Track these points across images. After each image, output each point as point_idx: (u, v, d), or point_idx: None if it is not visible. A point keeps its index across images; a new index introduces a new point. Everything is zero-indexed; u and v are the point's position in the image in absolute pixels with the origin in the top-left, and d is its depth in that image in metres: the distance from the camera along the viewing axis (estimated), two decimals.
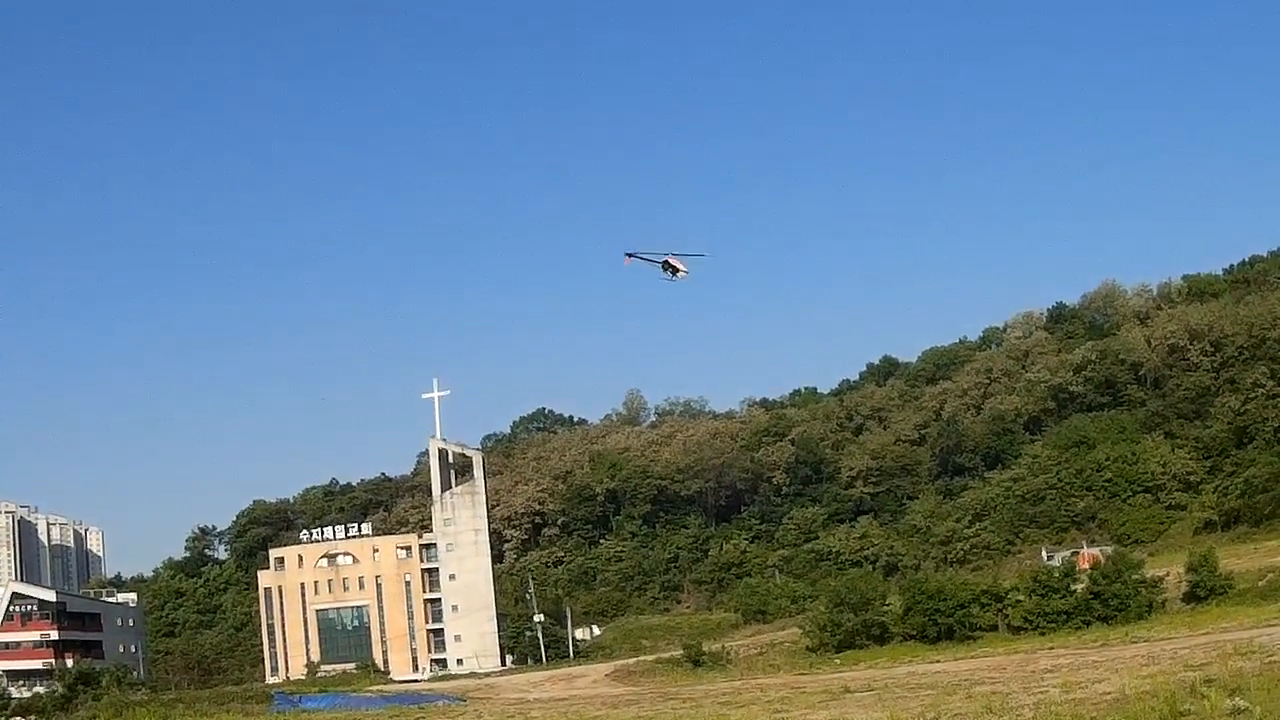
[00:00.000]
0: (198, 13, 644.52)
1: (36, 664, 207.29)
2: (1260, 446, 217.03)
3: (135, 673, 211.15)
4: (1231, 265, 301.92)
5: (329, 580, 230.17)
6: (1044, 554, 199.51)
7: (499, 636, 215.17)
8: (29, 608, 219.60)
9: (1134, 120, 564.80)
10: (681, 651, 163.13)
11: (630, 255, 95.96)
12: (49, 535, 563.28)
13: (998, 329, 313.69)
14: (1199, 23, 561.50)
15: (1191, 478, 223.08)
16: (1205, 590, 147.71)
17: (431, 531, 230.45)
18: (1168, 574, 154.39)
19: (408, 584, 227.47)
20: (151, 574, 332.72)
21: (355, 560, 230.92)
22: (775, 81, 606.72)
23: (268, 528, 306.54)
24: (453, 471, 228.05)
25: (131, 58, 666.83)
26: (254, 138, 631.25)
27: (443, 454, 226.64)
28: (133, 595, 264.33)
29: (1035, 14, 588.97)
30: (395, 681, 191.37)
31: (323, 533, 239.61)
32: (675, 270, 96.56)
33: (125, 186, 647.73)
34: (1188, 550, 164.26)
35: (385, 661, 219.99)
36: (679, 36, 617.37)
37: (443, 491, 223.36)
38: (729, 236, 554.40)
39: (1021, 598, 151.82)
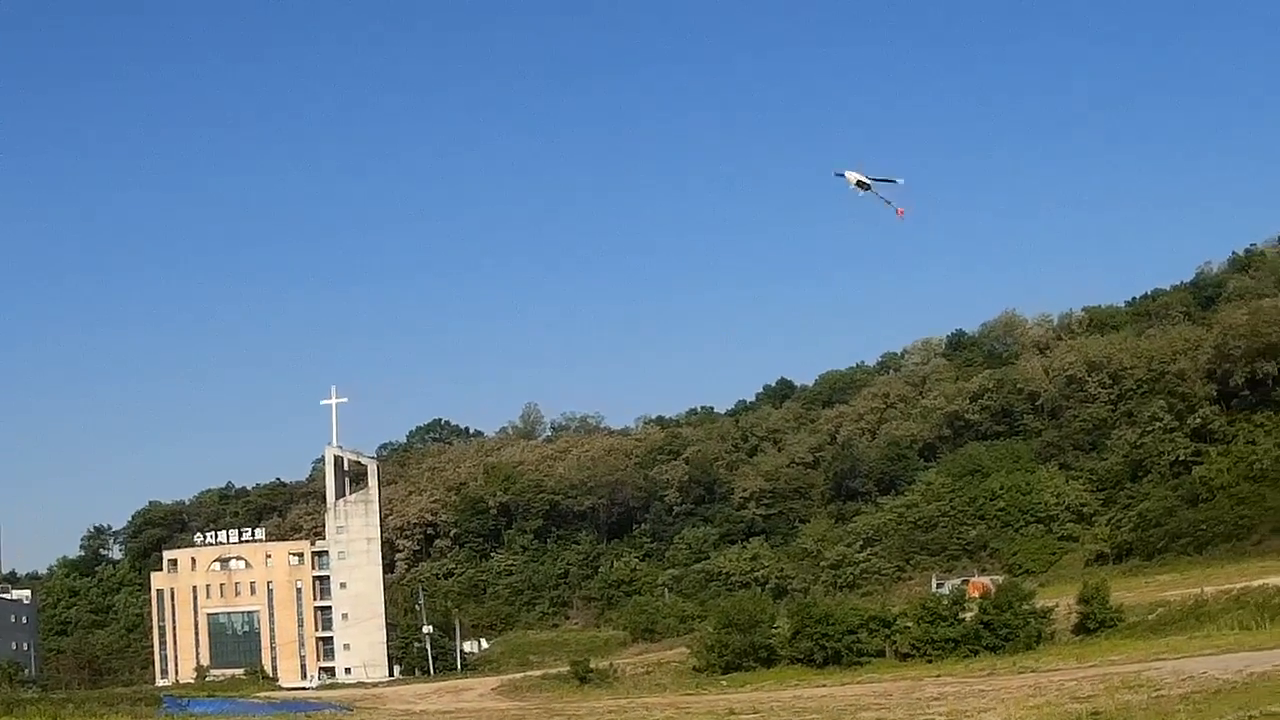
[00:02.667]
0: None
1: None
2: (1155, 480, 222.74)
3: (27, 670, 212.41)
4: (1133, 298, 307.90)
5: (221, 584, 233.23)
6: (934, 581, 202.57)
7: (388, 647, 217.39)
8: None
9: (1038, 155, 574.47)
10: (569, 668, 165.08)
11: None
12: None
13: (895, 355, 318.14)
14: (1113, 53, 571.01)
15: (1085, 509, 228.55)
16: (1095, 622, 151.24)
17: (324, 539, 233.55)
18: (1058, 605, 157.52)
19: (299, 591, 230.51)
20: (46, 572, 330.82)
21: (248, 565, 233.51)
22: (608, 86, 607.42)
23: (163, 529, 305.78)
24: (348, 479, 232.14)
25: None
26: (172, 121, 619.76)
27: (338, 461, 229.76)
28: (27, 592, 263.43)
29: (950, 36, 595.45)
30: (283, 689, 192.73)
31: (216, 536, 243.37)
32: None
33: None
34: (1079, 582, 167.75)
35: (274, 668, 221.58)
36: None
37: (337, 499, 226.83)
38: (624, 257, 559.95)
39: (910, 624, 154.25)
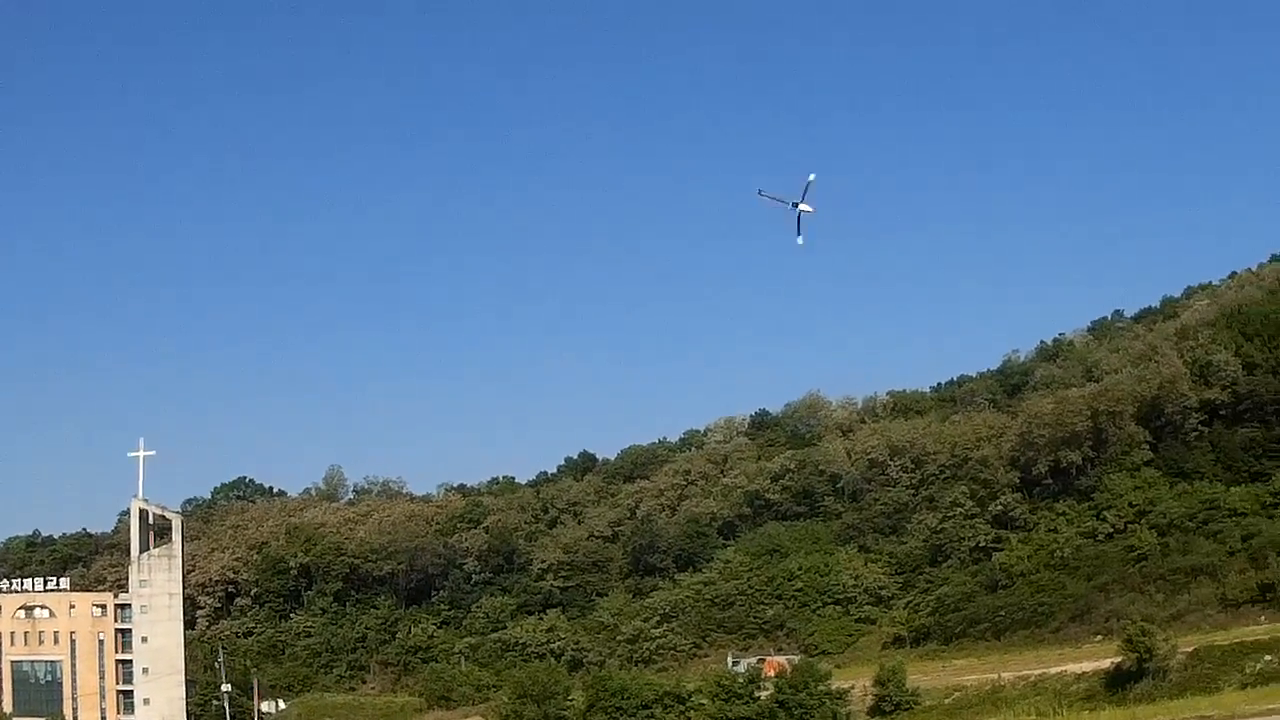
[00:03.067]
0: None
1: None
2: (955, 566, 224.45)
3: None
4: (939, 384, 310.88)
5: (25, 632, 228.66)
6: (730, 659, 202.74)
7: (187, 703, 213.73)
8: None
9: (843, 238, 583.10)
10: None
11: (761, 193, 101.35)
12: None
13: (698, 432, 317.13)
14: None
15: (883, 592, 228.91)
16: (892, 705, 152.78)
17: (128, 591, 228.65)
18: (854, 686, 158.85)
19: (101, 642, 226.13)
20: None
21: (52, 614, 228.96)
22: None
23: None
24: (153, 533, 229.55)
25: None
26: None
27: (144, 514, 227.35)
28: None
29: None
30: None
31: (22, 584, 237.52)
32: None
33: None
34: (876, 664, 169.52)
35: (75, 719, 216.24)
36: None
37: (141, 552, 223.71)
38: (430, 324, 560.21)
39: (705, 701, 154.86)
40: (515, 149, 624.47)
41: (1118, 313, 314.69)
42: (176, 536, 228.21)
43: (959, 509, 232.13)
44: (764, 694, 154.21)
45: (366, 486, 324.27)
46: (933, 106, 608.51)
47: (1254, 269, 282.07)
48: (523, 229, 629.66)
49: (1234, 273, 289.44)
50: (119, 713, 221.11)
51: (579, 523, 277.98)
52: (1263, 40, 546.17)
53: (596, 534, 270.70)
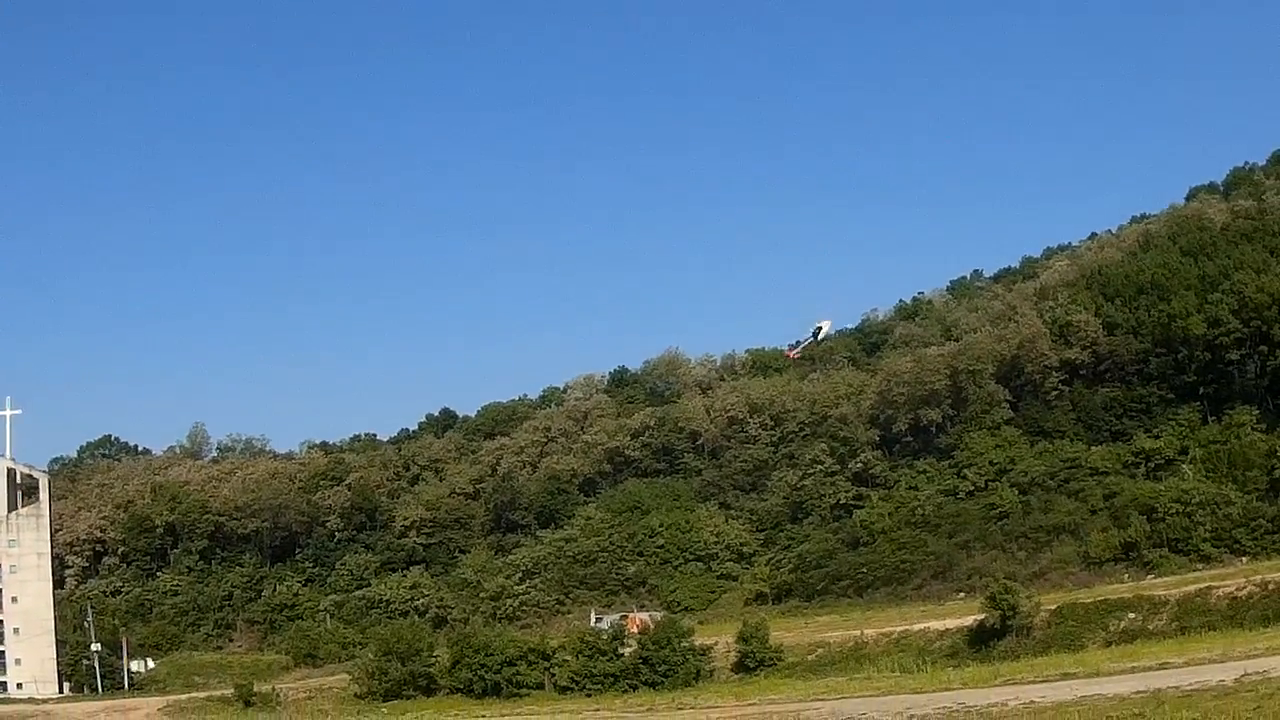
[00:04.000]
0: None
1: None
2: (815, 523, 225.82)
3: None
4: (797, 341, 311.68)
5: None
6: (593, 616, 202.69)
7: (58, 663, 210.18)
8: None
9: (707, 195, 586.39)
10: (233, 690, 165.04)
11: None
12: None
13: (558, 389, 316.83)
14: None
15: (745, 549, 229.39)
16: (755, 661, 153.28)
17: None
18: (717, 643, 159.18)
19: None
20: None
21: None
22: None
23: None
24: (20, 492, 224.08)
25: None
26: None
27: (11, 474, 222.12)
28: None
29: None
30: None
31: None
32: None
33: None
34: (739, 621, 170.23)
35: None
36: None
37: (9, 512, 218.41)
38: (292, 279, 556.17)
39: (569, 658, 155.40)
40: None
41: (977, 272, 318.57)
42: (44, 495, 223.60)
43: (819, 466, 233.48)
44: (628, 650, 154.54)
45: (230, 444, 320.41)
46: (804, 73, 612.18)
47: (1114, 230, 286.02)
48: (380, 185, 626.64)
49: (1094, 234, 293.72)
50: None
51: (440, 480, 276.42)
52: None
53: (458, 491, 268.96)
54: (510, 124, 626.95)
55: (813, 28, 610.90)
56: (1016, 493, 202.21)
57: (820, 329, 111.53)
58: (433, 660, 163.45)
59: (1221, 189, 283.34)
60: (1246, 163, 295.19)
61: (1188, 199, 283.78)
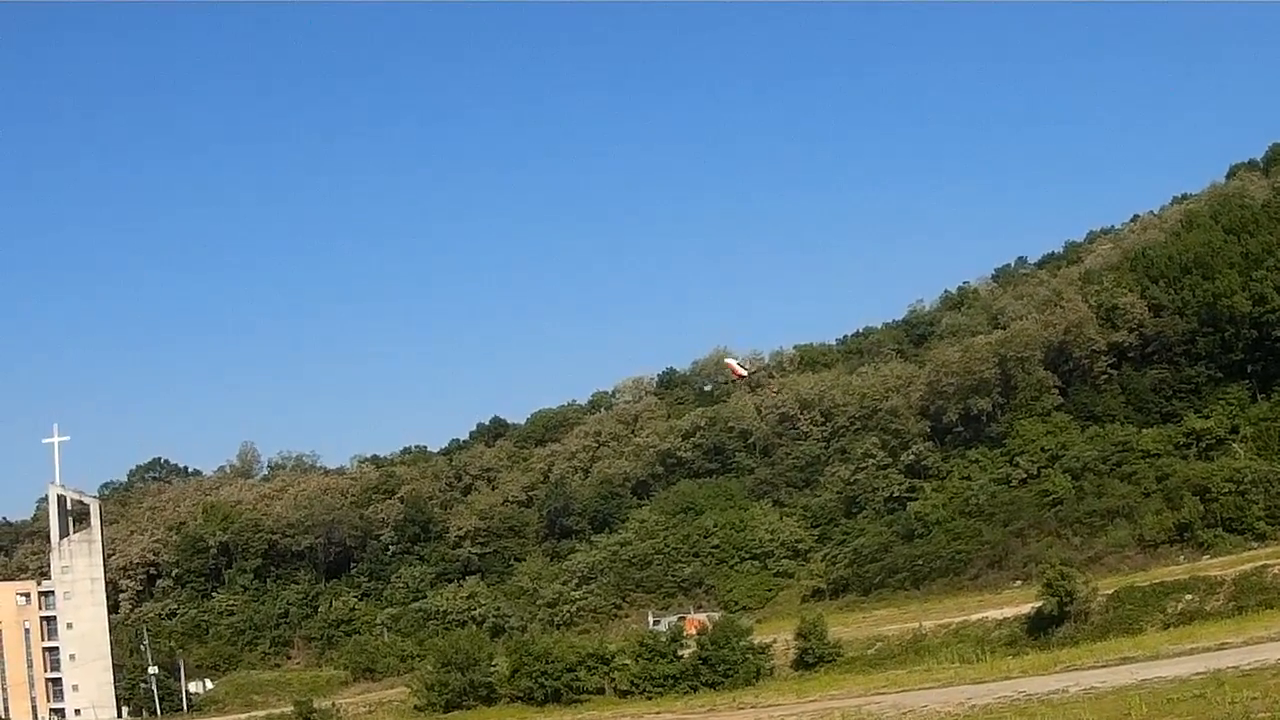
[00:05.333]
0: None
1: None
2: (870, 516, 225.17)
3: None
4: (844, 336, 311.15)
5: None
6: (651, 618, 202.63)
7: (115, 687, 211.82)
8: None
9: (745, 191, 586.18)
10: (293, 708, 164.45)
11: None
12: None
13: (606, 393, 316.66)
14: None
15: (800, 545, 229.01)
16: (814, 657, 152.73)
17: (50, 579, 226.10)
18: (775, 641, 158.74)
19: (27, 631, 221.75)
20: None
21: None
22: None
23: None
24: (71, 518, 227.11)
25: None
26: None
27: (61, 500, 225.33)
28: None
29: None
30: None
31: None
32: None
33: None
34: (796, 618, 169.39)
35: (6, 709, 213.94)
36: None
37: (61, 538, 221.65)
38: (332, 300, 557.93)
39: (628, 661, 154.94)
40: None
41: (1021, 259, 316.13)
42: (95, 520, 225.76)
43: (871, 460, 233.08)
44: (687, 651, 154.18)
45: (280, 461, 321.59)
46: (815, 70, 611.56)
47: (1155, 211, 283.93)
48: (423, 193, 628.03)
49: (1136, 215, 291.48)
50: (49, 700, 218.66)
51: (493, 489, 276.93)
52: None
53: (511, 499, 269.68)
54: (547, 119, 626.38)
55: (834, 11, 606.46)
56: (1069, 478, 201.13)
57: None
58: (492, 669, 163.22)
59: (1262, 165, 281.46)
60: None
61: (1228, 177, 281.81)
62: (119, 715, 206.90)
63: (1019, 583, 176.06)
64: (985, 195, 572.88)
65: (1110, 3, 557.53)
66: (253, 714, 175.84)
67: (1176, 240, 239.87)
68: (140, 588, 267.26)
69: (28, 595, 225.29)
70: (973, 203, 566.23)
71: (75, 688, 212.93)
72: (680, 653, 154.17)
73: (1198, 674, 66.45)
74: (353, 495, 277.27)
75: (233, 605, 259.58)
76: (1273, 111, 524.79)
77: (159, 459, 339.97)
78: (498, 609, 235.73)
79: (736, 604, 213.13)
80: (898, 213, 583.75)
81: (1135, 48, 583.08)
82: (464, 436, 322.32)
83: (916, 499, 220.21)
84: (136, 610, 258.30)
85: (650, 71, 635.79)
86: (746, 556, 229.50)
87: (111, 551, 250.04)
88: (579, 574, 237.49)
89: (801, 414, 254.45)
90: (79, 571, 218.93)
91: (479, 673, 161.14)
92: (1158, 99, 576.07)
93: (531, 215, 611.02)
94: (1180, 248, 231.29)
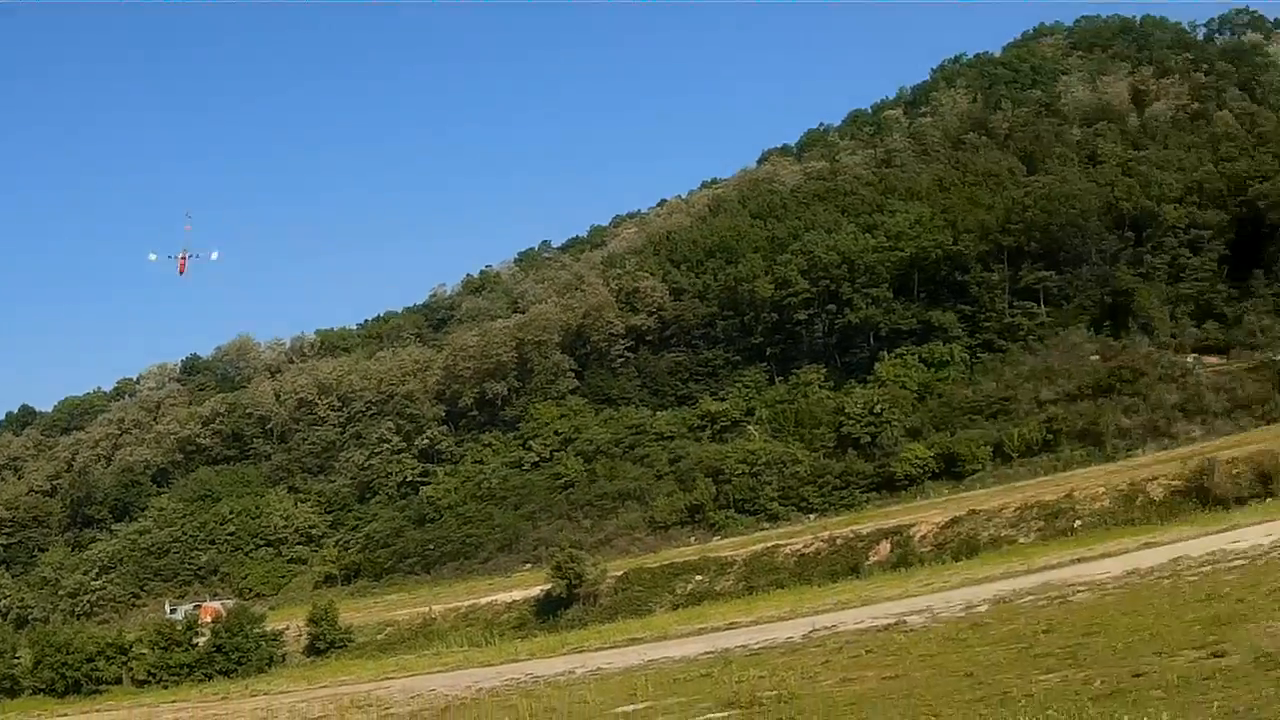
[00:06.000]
0: None
1: None
2: (383, 501, 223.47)
3: None
4: (366, 320, 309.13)
5: None
6: (168, 607, 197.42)
7: None
8: None
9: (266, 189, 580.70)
10: None
11: None
12: None
13: (131, 380, 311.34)
14: None
15: (314, 531, 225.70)
16: (326, 643, 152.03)
17: None
18: (289, 628, 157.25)
19: None
20: None
21: None
22: None
23: None
24: None
25: None
26: None
27: None
28: None
29: None
30: None
31: None
32: None
33: None
34: (309, 604, 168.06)
35: None
36: None
37: None
38: None
39: (145, 651, 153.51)
40: None
41: (545, 243, 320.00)
42: None
43: (386, 445, 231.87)
44: (202, 640, 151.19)
45: None
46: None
47: (684, 196, 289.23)
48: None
49: (663, 200, 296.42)
50: None
51: (19, 478, 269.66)
52: None
53: (36, 489, 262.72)
54: None
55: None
56: (581, 461, 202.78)
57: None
58: (16, 662, 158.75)
59: (795, 151, 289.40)
60: (821, 124, 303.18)
61: (760, 161, 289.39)
62: None
63: (529, 566, 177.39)
64: (512, 183, 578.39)
65: None
66: None
67: (702, 224, 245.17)
68: None
69: None
70: (497, 190, 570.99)
71: None
72: (195, 641, 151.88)
73: (706, 654, 66.69)
74: None
75: None
76: (810, 97, 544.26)
77: None
78: (21, 600, 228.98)
79: (251, 591, 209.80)
80: (427, 200, 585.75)
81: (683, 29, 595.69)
82: None
83: (430, 484, 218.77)
84: None
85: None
86: (262, 544, 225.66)
87: None
88: (99, 563, 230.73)
89: (320, 399, 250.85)
90: None
91: (2, 665, 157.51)
92: (694, 83, 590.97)
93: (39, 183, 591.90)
94: (705, 232, 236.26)
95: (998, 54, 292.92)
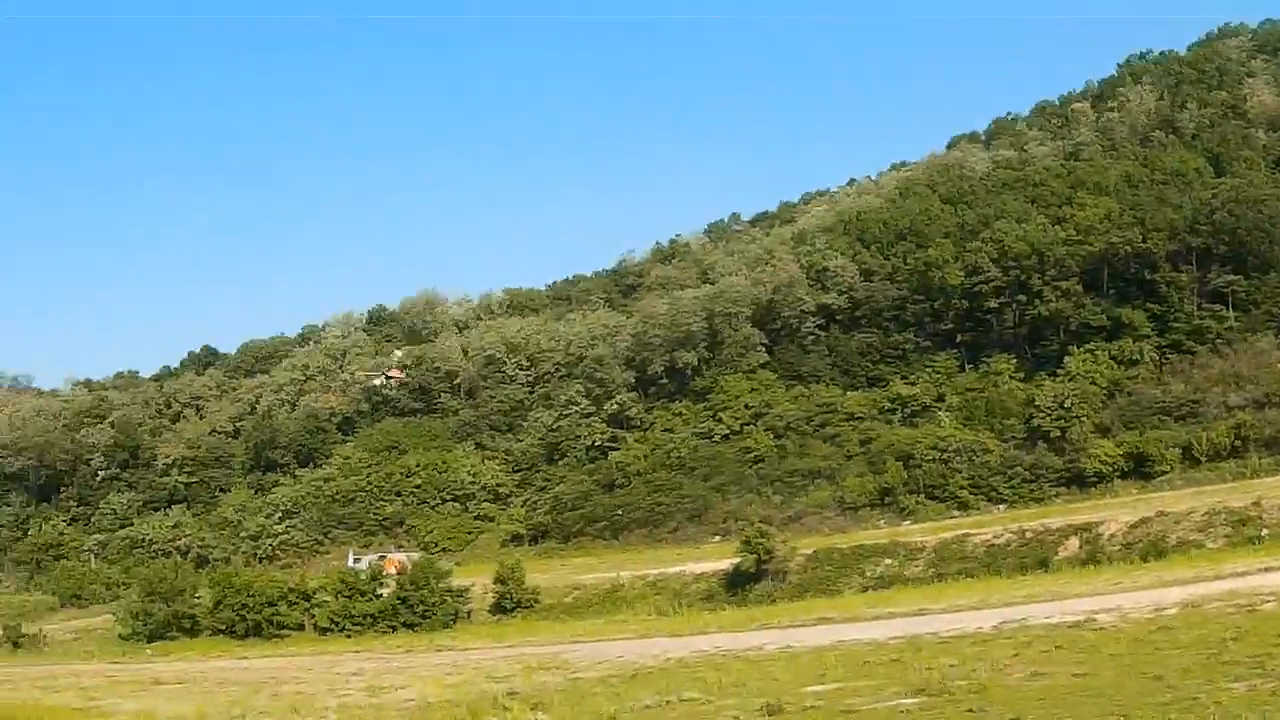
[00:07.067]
0: None
1: None
2: (571, 464, 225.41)
3: None
4: (554, 282, 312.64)
5: None
6: (351, 556, 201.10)
7: None
8: None
9: (467, 142, 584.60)
10: (1, 632, 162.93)
11: None
12: None
13: (316, 327, 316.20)
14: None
15: (501, 490, 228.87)
16: (512, 603, 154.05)
17: None
18: (474, 585, 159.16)
19: None
20: None
21: None
22: None
23: None
24: None
25: None
26: None
27: None
28: None
29: None
30: None
31: None
32: None
33: None
34: (496, 562, 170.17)
35: None
36: None
37: None
38: (51, 215, 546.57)
39: (329, 599, 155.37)
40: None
41: (735, 216, 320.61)
42: None
43: (575, 407, 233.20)
44: (386, 591, 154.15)
45: None
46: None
47: (873, 177, 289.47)
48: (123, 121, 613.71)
49: (853, 179, 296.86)
50: None
51: (201, 418, 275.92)
52: None
53: (219, 429, 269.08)
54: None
55: None
56: (771, 436, 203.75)
57: None
58: (196, 601, 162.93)
59: (984, 139, 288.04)
60: (1009, 113, 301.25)
61: (949, 147, 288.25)
62: None
63: (718, 538, 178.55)
64: (703, 149, 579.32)
65: None
66: None
67: (892, 206, 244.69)
68: None
69: None
70: (690, 157, 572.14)
71: None
72: (380, 592, 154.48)
73: (895, 638, 67.00)
74: (65, 418, 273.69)
75: None
76: (997, 85, 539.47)
77: None
78: (203, 540, 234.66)
79: (436, 545, 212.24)
80: (612, 164, 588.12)
81: (862, 13, 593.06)
82: (175, 364, 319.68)
83: (619, 449, 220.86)
84: None
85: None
86: (448, 498, 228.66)
87: None
88: (282, 508, 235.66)
89: (508, 358, 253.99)
90: None
91: (183, 604, 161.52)
92: (885, 65, 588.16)
93: (248, 138, 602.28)
94: (895, 214, 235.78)
95: (1183, 53, 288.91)
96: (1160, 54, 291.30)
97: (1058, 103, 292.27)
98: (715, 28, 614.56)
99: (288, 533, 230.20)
